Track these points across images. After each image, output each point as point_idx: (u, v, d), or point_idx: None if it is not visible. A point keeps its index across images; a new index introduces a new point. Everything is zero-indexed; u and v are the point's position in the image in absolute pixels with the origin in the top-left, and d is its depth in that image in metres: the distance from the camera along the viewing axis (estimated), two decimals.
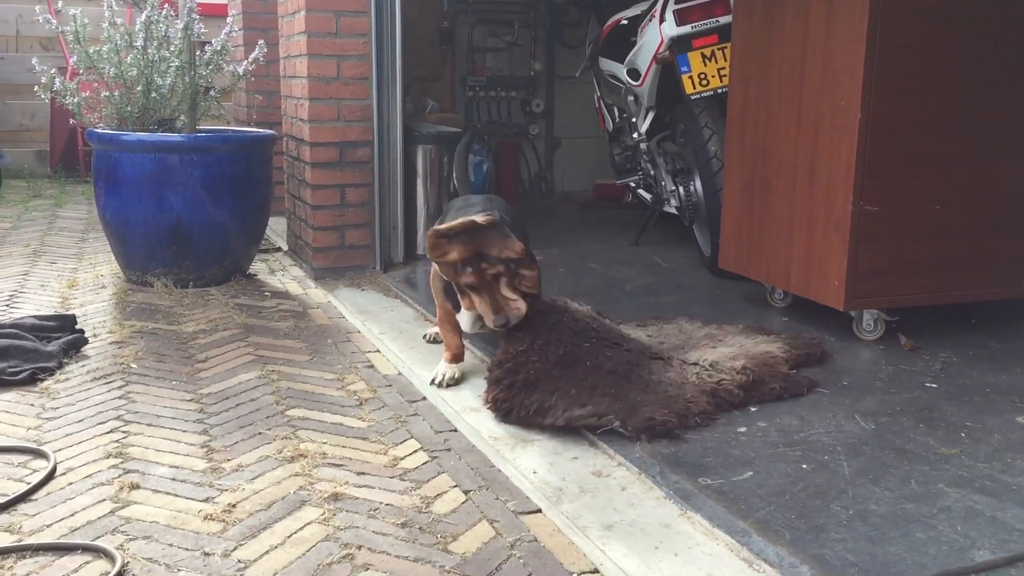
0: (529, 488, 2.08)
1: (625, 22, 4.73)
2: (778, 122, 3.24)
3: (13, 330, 2.94)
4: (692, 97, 4.00)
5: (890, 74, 2.85)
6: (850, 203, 2.91)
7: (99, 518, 1.92)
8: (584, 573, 1.75)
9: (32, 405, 2.55)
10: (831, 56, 2.96)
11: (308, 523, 1.92)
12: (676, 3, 4.03)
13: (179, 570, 1.74)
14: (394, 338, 3.21)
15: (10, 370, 2.72)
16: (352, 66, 4.01)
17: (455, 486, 2.09)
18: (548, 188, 6.62)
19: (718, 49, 3.93)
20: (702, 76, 3.96)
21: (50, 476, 2.10)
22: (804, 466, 2.15)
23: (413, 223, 4.32)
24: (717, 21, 3.93)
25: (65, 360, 2.89)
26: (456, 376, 2.77)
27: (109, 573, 1.70)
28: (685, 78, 3.98)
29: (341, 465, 2.19)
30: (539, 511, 1.98)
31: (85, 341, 3.06)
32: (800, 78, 3.11)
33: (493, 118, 6.51)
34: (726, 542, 1.84)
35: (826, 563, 1.74)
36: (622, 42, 4.65)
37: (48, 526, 1.89)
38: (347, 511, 1.97)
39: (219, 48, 4.03)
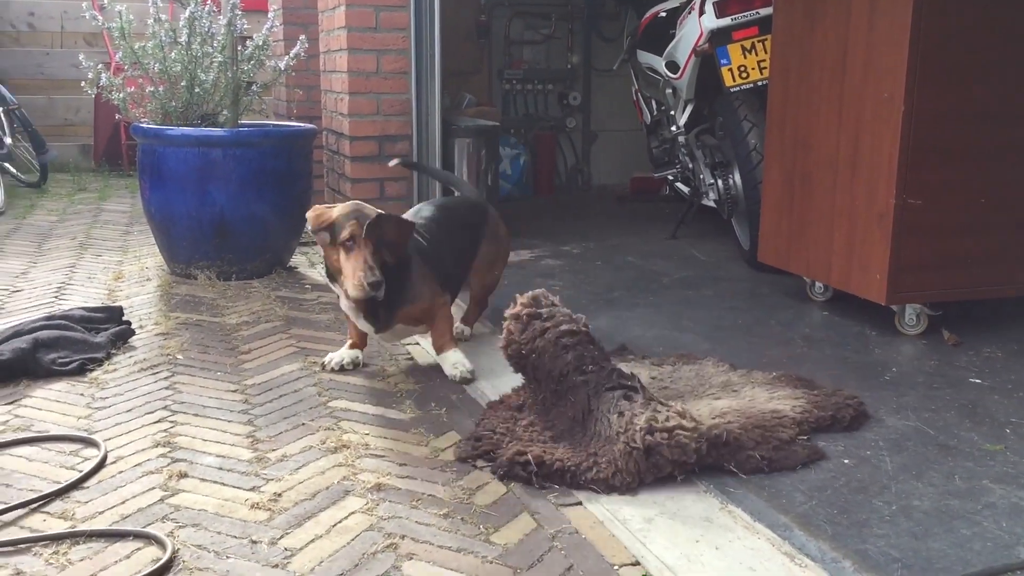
0: None
1: (664, 15, 4.72)
2: (819, 115, 3.22)
3: (63, 321, 3.00)
4: (732, 90, 3.98)
5: (934, 66, 2.82)
6: (893, 196, 2.88)
7: (149, 506, 1.97)
8: (625, 565, 1.76)
9: (82, 395, 2.61)
10: (873, 48, 2.93)
11: (352, 513, 1.95)
12: None
13: (228, 557, 1.77)
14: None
15: (60, 360, 2.78)
16: (391, 60, 4.04)
17: (496, 478, 2.11)
18: (585, 181, 6.62)
19: (758, 41, 3.90)
20: (742, 69, 3.94)
21: (101, 464, 2.15)
22: (846, 461, 2.15)
23: None
24: (757, 13, 3.90)
25: (113, 351, 2.95)
26: (346, 362, 2.81)
27: (160, 559, 1.74)
28: (725, 71, 3.96)
29: (383, 456, 2.22)
30: (580, 504, 1.99)
31: (132, 332, 3.12)
32: (842, 70, 3.09)
33: (530, 111, 6.51)
34: (767, 536, 1.84)
35: (869, 558, 1.73)
36: (660, 35, 4.63)
37: (100, 513, 1.94)
38: (390, 501, 2.00)
39: (261, 43, 4.07)
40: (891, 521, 1.87)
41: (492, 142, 4.46)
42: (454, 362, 2.74)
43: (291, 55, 4.13)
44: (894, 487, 2.02)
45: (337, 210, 2.61)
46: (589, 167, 6.68)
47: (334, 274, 2.68)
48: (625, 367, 2.38)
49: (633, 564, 1.76)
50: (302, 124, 4.32)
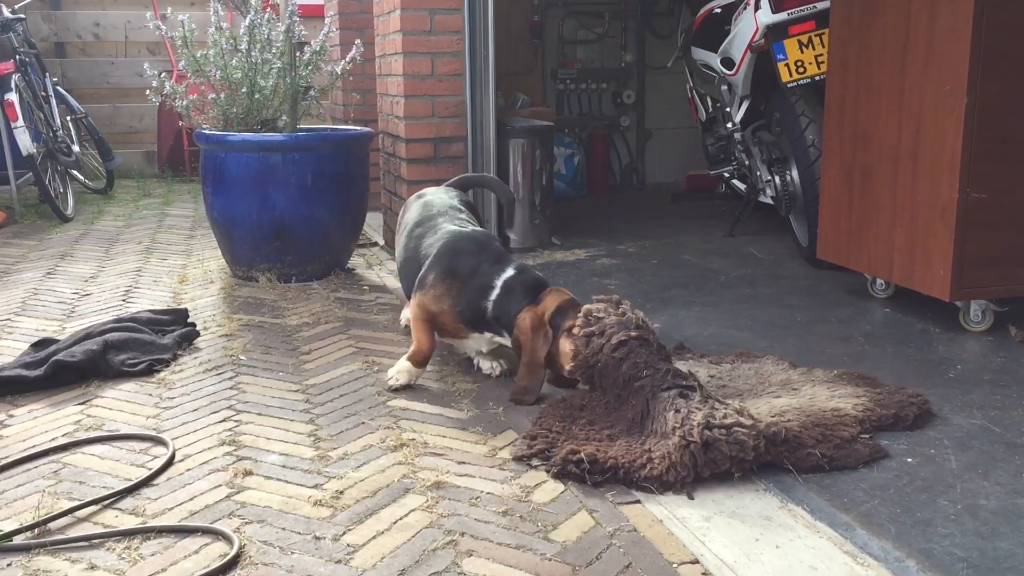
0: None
1: (718, 10, 4.69)
2: (879, 108, 3.17)
3: (131, 324, 3.09)
4: (788, 85, 3.94)
5: (998, 57, 2.76)
6: (956, 190, 2.83)
7: (216, 502, 2.02)
8: (684, 563, 1.76)
9: (150, 395, 2.68)
10: (935, 39, 2.88)
11: (412, 510, 1.98)
12: None
13: (292, 553, 1.81)
14: None
15: (129, 362, 2.86)
16: (446, 63, 4.07)
17: (551, 476, 2.12)
18: (640, 179, 6.60)
19: (815, 35, 3.86)
20: (799, 63, 3.90)
21: (169, 462, 2.21)
22: (909, 460, 2.12)
23: (507, 217, 4.37)
24: (814, 7, 3.86)
25: (179, 352, 3.03)
26: (410, 382, 2.68)
27: (227, 554, 1.79)
28: (781, 66, 3.93)
29: (442, 454, 2.25)
30: (638, 502, 1.99)
31: (197, 334, 3.20)
32: (902, 63, 3.04)
33: (584, 110, 6.51)
34: (829, 535, 1.83)
35: (933, 558, 1.71)
36: (715, 31, 4.60)
37: (169, 509, 1.99)
38: (449, 499, 2.02)
39: (318, 49, 4.14)
40: (956, 520, 1.84)
41: (546, 142, 4.47)
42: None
43: (347, 60, 4.19)
44: (959, 486, 1.99)
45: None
46: (644, 165, 6.66)
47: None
48: (683, 366, 2.39)
49: (692, 562, 1.76)
50: (359, 128, 4.38)
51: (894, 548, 1.74)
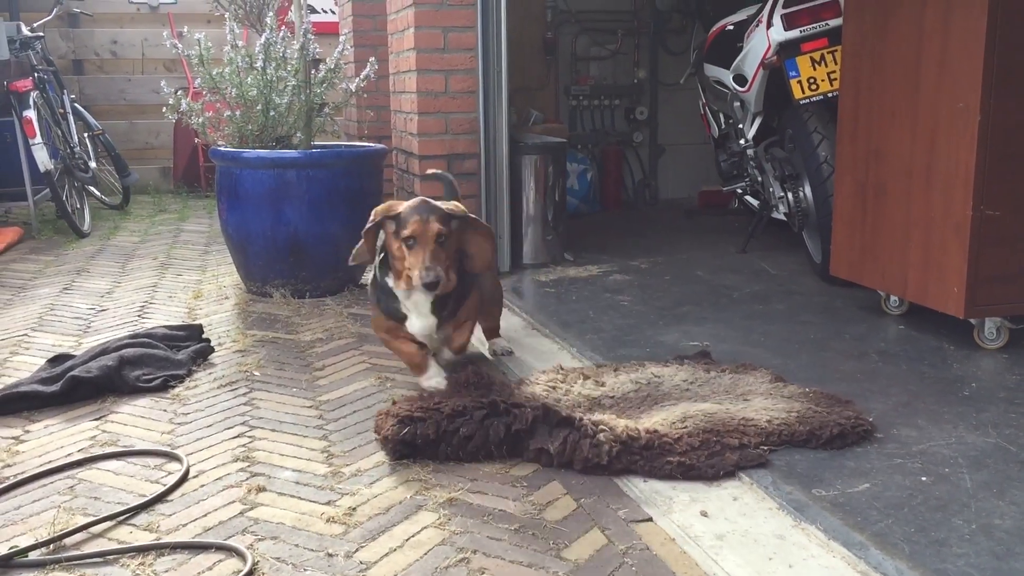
0: (639, 497, 2.10)
1: (731, 28, 4.70)
2: (892, 125, 3.17)
3: (146, 339, 3.11)
4: (801, 102, 3.94)
5: (1011, 74, 2.76)
6: (970, 207, 2.82)
7: (230, 519, 2.03)
8: None
9: (164, 411, 2.70)
10: (948, 56, 2.88)
11: (425, 527, 1.98)
12: (784, 7, 3.98)
13: (305, 570, 1.82)
14: None
15: (144, 377, 2.88)
16: (459, 80, 4.09)
17: (566, 493, 2.12)
18: (652, 195, 6.60)
19: (828, 53, 3.86)
20: (811, 80, 3.90)
21: (183, 478, 2.22)
22: (923, 478, 2.11)
23: (520, 233, 4.38)
24: (827, 24, 3.86)
25: (194, 368, 3.05)
26: (443, 385, 2.71)
27: (241, 571, 1.79)
28: (794, 83, 3.93)
29: (453, 471, 2.25)
30: (650, 519, 1.99)
31: (211, 350, 3.21)
32: (915, 80, 3.04)
33: (597, 126, 6.53)
34: (842, 555, 1.82)
35: None
36: (728, 48, 4.61)
37: (184, 525, 2.00)
38: (462, 516, 2.02)
39: (332, 66, 4.17)
40: (971, 540, 1.83)
41: (559, 158, 4.48)
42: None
43: (361, 77, 4.22)
44: (974, 505, 1.98)
45: (403, 210, 2.66)
46: (656, 181, 6.66)
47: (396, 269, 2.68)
48: (658, 369, 2.69)
49: None
50: (372, 144, 4.40)
51: (909, 568, 1.74)
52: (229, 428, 2.55)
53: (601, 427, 2.26)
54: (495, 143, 4.18)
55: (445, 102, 4.11)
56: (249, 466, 2.30)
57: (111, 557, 1.87)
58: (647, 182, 6.61)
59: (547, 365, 2.92)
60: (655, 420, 2.35)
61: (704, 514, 2.00)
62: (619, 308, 3.66)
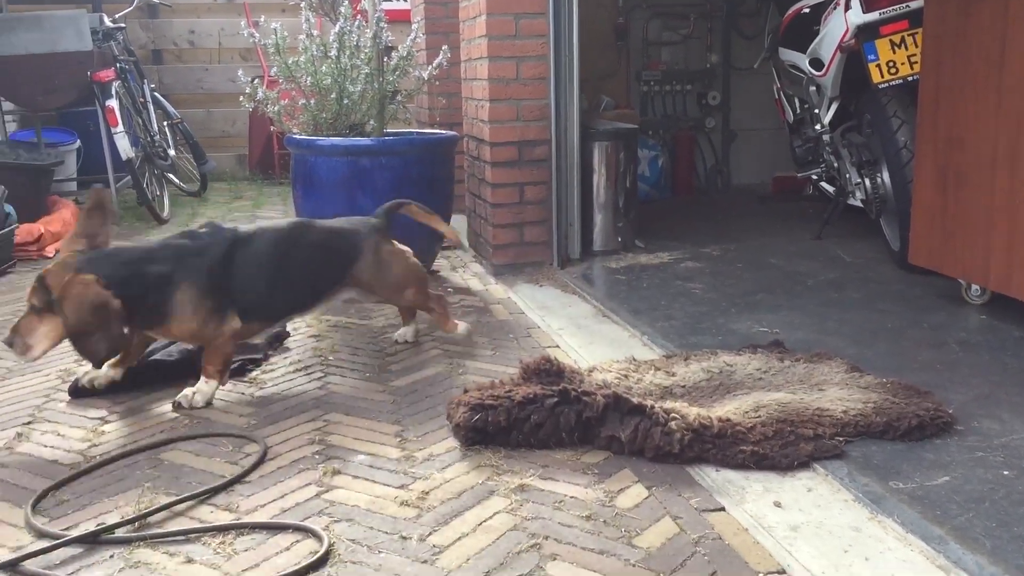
0: (711, 486, 2.09)
1: (807, 10, 4.60)
2: (975, 110, 3.08)
3: None
4: (880, 86, 3.84)
5: None
6: None
7: (306, 500, 2.08)
8: (771, 573, 1.74)
9: (243, 394, 2.77)
10: None
11: (496, 512, 2.00)
12: None
13: (379, 552, 1.85)
14: (572, 333, 3.27)
15: None
16: (531, 67, 4.09)
17: (638, 481, 2.12)
18: (724, 181, 6.52)
19: (908, 35, 3.76)
20: (890, 64, 3.81)
21: (261, 460, 2.28)
22: (1006, 472, 2.05)
23: (590, 220, 4.37)
24: (907, 6, 3.76)
25: (270, 352, 3.12)
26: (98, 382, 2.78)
27: (317, 552, 1.84)
28: (872, 66, 3.84)
29: (525, 457, 2.26)
30: (723, 509, 1.98)
31: (287, 335, 3.28)
32: (1000, 62, 2.94)
33: (668, 112, 6.47)
34: (920, 548, 1.79)
35: None
36: (804, 31, 4.52)
37: (261, 506, 2.06)
38: (533, 502, 2.04)
39: (405, 54, 4.20)
40: None
41: (630, 144, 4.45)
42: (195, 390, 2.67)
43: (434, 64, 4.25)
44: None
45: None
46: (729, 167, 6.57)
47: None
48: (730, 357, 2.68)
49: (779, 572, 1.74)
50: (444, 131, 4.43)
51: (990, 563, 1.70)
52: (304, 412, 2.60)
53: (673, 415, 2.25)
54: (566, 130, 4.17)
55: (516, 89, 4.11)
56: (324, 449, 2.34)
57: (193, 536, 1.93)
58: (719, 168, 6.53)
59: (618, 352, 2.92)
60: (727, 409, 2.34)
61: (778, 504, 1.98)
62: (690, 295, 3.63)
